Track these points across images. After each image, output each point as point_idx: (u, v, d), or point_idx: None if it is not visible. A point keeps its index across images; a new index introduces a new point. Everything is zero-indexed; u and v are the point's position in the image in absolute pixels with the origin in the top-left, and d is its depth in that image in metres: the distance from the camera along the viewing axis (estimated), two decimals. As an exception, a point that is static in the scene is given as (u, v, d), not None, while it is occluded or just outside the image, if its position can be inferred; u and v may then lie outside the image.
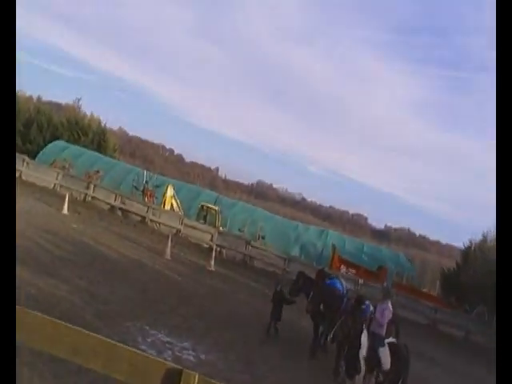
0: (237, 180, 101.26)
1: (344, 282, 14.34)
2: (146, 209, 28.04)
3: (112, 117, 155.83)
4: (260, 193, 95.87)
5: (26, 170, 28.71)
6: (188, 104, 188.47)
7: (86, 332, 2.64)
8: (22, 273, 11.52)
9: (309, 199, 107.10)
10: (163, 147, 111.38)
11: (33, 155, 35.69)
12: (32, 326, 2.64)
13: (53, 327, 2.64)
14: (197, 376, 2.56)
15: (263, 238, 31.06)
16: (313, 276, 14.57)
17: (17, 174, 27.90)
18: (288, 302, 13.66)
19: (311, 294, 13.76)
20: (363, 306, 12.39)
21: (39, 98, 56.95)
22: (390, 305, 11.14)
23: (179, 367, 2.58)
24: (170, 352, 10.01)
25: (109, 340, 2.64)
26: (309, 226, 38.41)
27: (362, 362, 9.87)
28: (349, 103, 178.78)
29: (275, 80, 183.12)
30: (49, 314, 2.73)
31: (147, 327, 10.97)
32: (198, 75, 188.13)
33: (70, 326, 2.62)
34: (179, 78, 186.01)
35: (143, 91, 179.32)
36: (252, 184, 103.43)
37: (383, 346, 10.19)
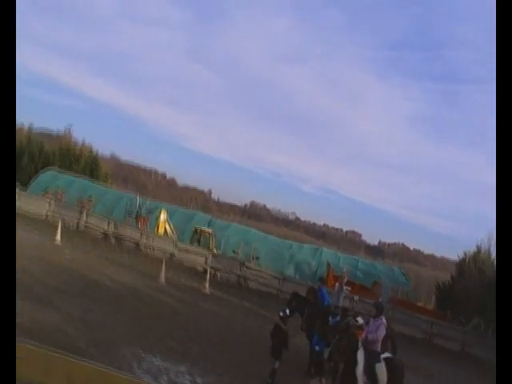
0: (230, 202, 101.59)
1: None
2: (139, 234, 28.06)
3: (104, 143, 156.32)
4: (253, 214, 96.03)
5: (17, 202, 28.68)
6: (179, 128, 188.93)
7: (80, 361, 2.73)
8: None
9: (302, 218, 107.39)
10: (155, 172, 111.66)
11: (25, 184, 35.78)
12: (26, 359, 2.74)
13: (46, 359, 2.74)
14: None
15: (257, 258, 31.06)
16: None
17: (9, 205, 27.97)
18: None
19: (306, 312, 13.89)
20: (358, 323, 12.49)
21: (30, 128, 57.19)
22: (384, 320, 11.24)
23: None
24: (165, 377, 10.06)
25: (103, 369, 2.73)
26: (303, 245, 38.46)
27: (359, 379, 9.80)
28: (340, 120, 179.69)
29: (265, 100, 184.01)
30: (43, 344, 2.85)
31: (142, 353, 11.01)
32: (187, 99, 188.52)
33: (64, 356, 2.71)
34: (169, 102, 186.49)
35: (134, 117, 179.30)
36: (245, 205, 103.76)
37: (379, 361, 10.12)
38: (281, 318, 12.30)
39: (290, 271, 31.77)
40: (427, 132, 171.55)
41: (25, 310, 11.46)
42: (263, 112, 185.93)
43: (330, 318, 12.37)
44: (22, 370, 2.69)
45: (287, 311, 12.57)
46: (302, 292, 15.73)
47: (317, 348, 11.91)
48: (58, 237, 22.55)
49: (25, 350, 2.72)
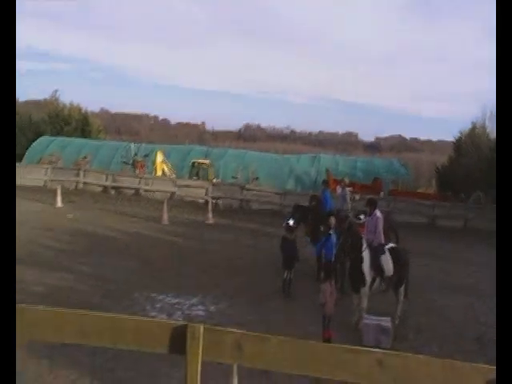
0: (224, 129, 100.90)
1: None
2: (138, 181, 28.41)
3: (92, 100, 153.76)
4: (249, 136, 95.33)
5: (13, 174, 29.07)
6: (162, 67, 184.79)
7: (89, 312, 2.97)
8: (26, 274, 12.14)
9: (298, 130, 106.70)
10: (147, 116, 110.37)
11: (19, 158, 35.91)
12: (35, 321, 2.98)
13: (56, 316, 2.96)
14: (202, 327, 2.69)
15: (257, 179, 31.42)
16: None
17: (6, 181, 28.34)
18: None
19: (309, 218, 14.35)
20: (361, 221, 12.85)
21: (16, 101, 56.78)
22: (378, 214, 11.43)
23: (184, 323, 2.74)
24: (179, 312, 10.57)
25: (112, 315, 2.99)
26: (300, 156, 38.70)
27: (366, 274, 10.27)
28: (323, 26, 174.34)
29: (245, 20, 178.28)
30: (59, 306, 3.10)
31: (154, 294, 11.52)
32: (165, 35, 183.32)
33: (72, 311, 2.99)
34: (148, 42, 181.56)
35: (116, 66, 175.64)
36: (240, 129, 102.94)
37: (384, 253, 10.61)
38: (286, 228, 12.74)
39: (290, 185, 32.28)
40: (413, 16, 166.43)
41: (36, 277, 12.05)
42: (243, 32, 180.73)
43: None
44: (34, 331, 2.93)
45: (291, 221, 12.99)
46: (305, 203, 16.21)
47: (323, 251, 12.26)
48: (59, 200, 22.95)
49: (36, 312, 2.97)
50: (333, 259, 11.94)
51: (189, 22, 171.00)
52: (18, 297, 9.11)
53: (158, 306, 10.91)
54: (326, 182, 17.89)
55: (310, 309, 10.81)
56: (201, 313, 10.69)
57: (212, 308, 11.04)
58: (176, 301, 11.29)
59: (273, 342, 2.70)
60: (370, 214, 11.60)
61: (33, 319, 2.85)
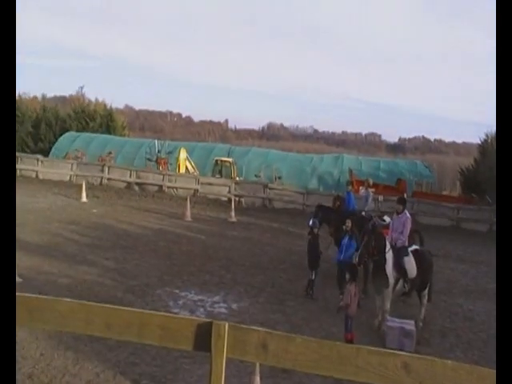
0: (247, 127, 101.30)
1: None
2: (161, 177, 28.63)
3: (117, 97, 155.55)
4: (272, 135, 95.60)
5: (41, 168, 29.63)
6: (186, 64, 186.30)
7: (116, 307, 2.99)
8: (52, 266, 12.39)
9: (321, 130, 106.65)
10: (171, 113, 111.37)
11: (46, 153, 36.57)
12: (63, 313, 3.02)
13: (83, 309, 3.01)
14: (227, 325, 2.70)
15: (280, 178, 31.41)
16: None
17: (33, 175, 28.94)
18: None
19: (332, 219, 14.29)
20: (385, 222, 12.76)
21: (44, 97, 57.86)
22: (408, 214, 11.32)
23: (209, 320, 2.75)
24: (202, 309, 10.60)
25: (139, 310, 3.03)
26: (323, 156, 38.56)
27: (389, 275, 10.18)
28: (344, 25, 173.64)
29: (266, 18, 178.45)
30: (83, 299, 3.17)
31: (177, 290, 11.59)
32: (187, 33, 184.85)
33: (100, 304, 3.04)
34: (170, 40, 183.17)
35: (140, 64, 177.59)
36: (263, 128, 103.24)
37: (407, 255, 10.51)
38: (310, 228, 12.70)
39: (313, 184, 32.20)
40: (434, 16, 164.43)
41: (62, 270, 12.22)
42: (265, 31, 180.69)
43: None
44: (63, 322, 2.96)
45: (311, 221, 12.95)
46: (327, 203, 16.16)
47: (347, 252, 12.25)
48: (84, 195, 23.26)
49: (65, 304, 3.01)
50: (352, 260, 11.90)
51: (215, 21, 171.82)
52: (44, 288, 9.36)
53: (180, 302, 10.96)
54: (350, 183, 17.80)
55: (331, 310, 10.75)
56: (223, 310, 10.70)
57: (234, 306, 11.04)
58: (198, 298, 11.32)
59: (297, 342, 2.70)
60: (400, 212, 11.39)
61: (61, 311, 2.88)
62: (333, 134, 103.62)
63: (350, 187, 16.53)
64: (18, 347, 7.16)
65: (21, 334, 7.71)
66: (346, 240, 12.15)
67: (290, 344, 2.69)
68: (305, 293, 12.06)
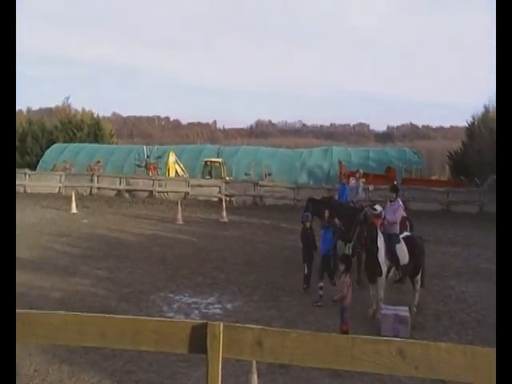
0: (236, 126, 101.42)
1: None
2: (151, 183, 28.59)
3: (104, 105, 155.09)
4: (260, 132, 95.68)
5: (29, 182, 29.42)
6: (172, 67, 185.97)
7: (109, 316, 2.97)
8: (44, 280, 12.30)
9: (309, 124, 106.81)
10: (158, 118, 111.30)
11: (33, 166, 36.38)
12: (56, 326, 2.98)
13: (76, 320, 2.97)
14: (221, 325, 2.71)
15: (270, 174, 31.49)
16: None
17: (21, 189, 28.69)
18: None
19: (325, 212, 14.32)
20: (376, 211, 12.79)
21: (29, 110, 57.58)
22: (400, 202, 11.42)
23: (203, 321, 2.75)
24: (196, 311, 10.58)
25: (132, 317, 3.02)
26: (312, 149, 38.62)
27: (382, 263, 10.23)
28: (330, 19, 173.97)
29: (250, 17, 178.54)
30: (77, 311, 3.16)
31: (171, 295, 11.56)
32: (172, 36, 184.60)
33: (93, 314, 3.03)
34: (155, 44, 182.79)
35: (124, 70, 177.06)
36: (251, 126, 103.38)
37: (399, 242, 10.56)
38: (302, 222, 12.66)
39: (303, 179, 32.26)
40: (415, 5, 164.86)
41: (54, 284, 12.13)
42: (249, 29, 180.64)
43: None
44: (56, 335, 2.96)
45: (308, 214, 12.97)
46: (318, 196, 16.18)
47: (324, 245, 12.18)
48: (74, 206, 23.16)
49: (57, 317, 3.00)
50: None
51: (196, 21, 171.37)
52: (36, 303, 9.27)
53: (175, 306, 10.94)
54: (341, 174, 17.79)
55: (326, 302, 10.79)
56: (218, 311, 10.70)
57: (229, 306, 11.04)
58: (193, 300, 11.30)
59: (292, 337, 2.72)
60: (391, 201, 11.46)
61: (54, 324, 2.88)
62: (321, 127, 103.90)
63: (344, 179, 16.59)
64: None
65: (14, 351, 7.66)
66: (323, 232, 12.19)
67: (285, 339, 2.71)
68: (303, 288, 12.05)
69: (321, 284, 11.29)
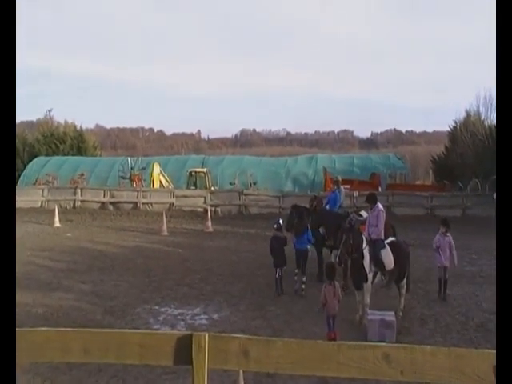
0: (220, 136, 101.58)
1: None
2: (136, 194, 28.44)
3: (87, 117, 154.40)
4: (245, 141, 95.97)
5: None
6: (155, 79, 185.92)
7: (93, 330, 2.92)
8: (25, 296, 12.03)
9: (293, 132, 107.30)
10: (143, 129, 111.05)
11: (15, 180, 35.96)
12: (40, 343, 2.91)
13: (59, 337, 2.92)
14: (207, 335, 2.70)
15: (255, 183, 31.51)
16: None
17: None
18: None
19: (309, 219, 14.28)
20: (362, 218, 12.84)
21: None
22: (380, 207, 11.35)
23: (188, 332, 2.72)
24: (182, 323, 10.46)
25: (116, 330, 2.98)
26: (297, 157, 38.74)
27: (367, 269, 10.26)
28: (313, 26, 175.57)
29: (228, 27, 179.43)
30: (61, 326, 3.08)
31: (157, 307, 11.43)
32: (153, 48, 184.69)
33: (76, 329, 2.95)
34: (138, 56, 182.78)
35: (108, 81, 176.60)
36: (236, 135, 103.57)
37: (384, 247, 10.59)
38: (275, 229, 12.74)
39: (288, 187, 32.31)
40: (394, 10, 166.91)
41: (36, 299, 11.92)
42: (230, 37, 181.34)
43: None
44: (39, 353, 2.90)
45: (280, 222, 13.03)
46: (304, 203, 16.10)
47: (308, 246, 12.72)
48: (57, 220, 22.93)
49: (39, 334, 2.94)
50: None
51: (179, 35, 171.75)
52: (18, 319, 9.04)
53: (160, 318, 10.82)
54: (336, 182, 17.63)
55: (313, 310, 10.75)
56: (204, 322, 10.60)
57: (215, 316, 10.95)
58: (178, 311, 11.19)
59: (278, 345, 2.72)
60: (371, 208, 11.47)
61: (36, 341, 2.84)
62: (305, 134, 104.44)
63: (335, 187, 16.48)
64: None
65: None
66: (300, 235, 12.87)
67: (271, 348, 2.71)
68: (276, 293, 12.23)
69: (303, 279, 12.26)
